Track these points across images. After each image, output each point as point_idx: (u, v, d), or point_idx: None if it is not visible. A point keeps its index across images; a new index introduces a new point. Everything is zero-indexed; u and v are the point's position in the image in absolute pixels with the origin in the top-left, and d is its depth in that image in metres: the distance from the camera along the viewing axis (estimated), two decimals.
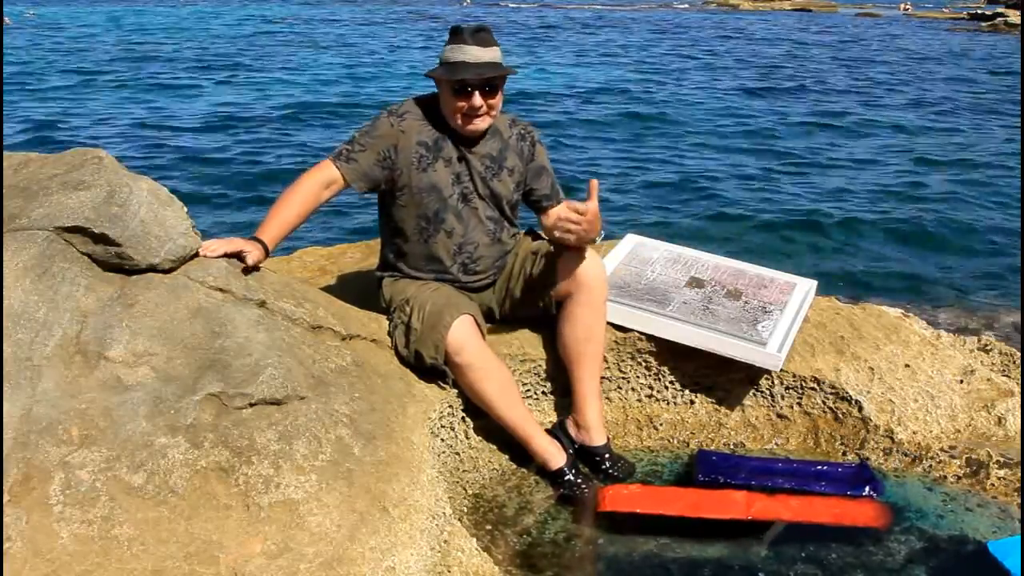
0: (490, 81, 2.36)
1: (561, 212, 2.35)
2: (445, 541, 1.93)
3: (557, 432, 2.54)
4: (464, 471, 2.44)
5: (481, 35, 2.37)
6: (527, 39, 26.00)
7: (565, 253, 2.49)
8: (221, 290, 2.09)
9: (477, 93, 2.35)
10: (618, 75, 17.79)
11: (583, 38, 26.99)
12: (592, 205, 2.31)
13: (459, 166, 2.48)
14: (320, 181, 2.40)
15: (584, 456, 2.52)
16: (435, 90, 2.49)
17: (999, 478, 2.45)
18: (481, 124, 2.42)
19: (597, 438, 2.51)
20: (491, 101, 2.39)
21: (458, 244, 2.51)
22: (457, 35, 2.39)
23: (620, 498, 2.31)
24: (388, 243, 2.60)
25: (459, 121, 2.40)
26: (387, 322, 2.47)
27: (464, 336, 2.31)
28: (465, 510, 2.31)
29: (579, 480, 2.41)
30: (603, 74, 17.92)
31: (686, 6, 46.46)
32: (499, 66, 2.38)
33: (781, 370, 2.62)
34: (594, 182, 2.35)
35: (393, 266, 2.59)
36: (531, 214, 2.73)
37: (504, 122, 2.57)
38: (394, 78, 16.90)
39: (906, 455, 2.57)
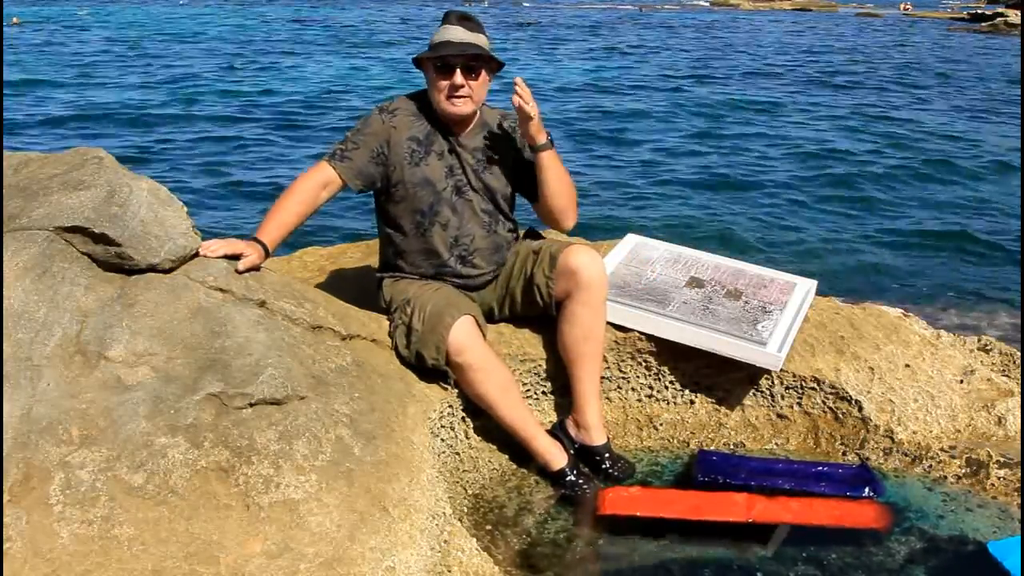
0: (471, 61, 2.40)
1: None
2: (445, 541, 1.93)
3: (557, 432, 2.54)
4: (464, 471, 2.44)
5: (468, 21, 2.44)
6: (544, 39, 26.04)
7: (565, 253, 2.50)
8: (221, 290, 2.09)
9: (459, 71, 2.39)
10: (614, 75, 17.79)
11: (583, 37, 26.99)
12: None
13: (451, 158, 2.50)
14: (317, 182, 2.42)
15: (584, 456, 2.52)
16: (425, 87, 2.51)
17: (999, 478, 2.45)
18: (463, 107, 2.45)
19: (597, 438, 2.51)
20: (473, 83, 2.43)
21: (454, 236, 2.52)
22: (444, 19, 2.46)
23: (620, 501, 2.31)
24: (386, 241, 2.61)
25: (443, 104, 2.43)
26: (387, 322, 2.47)
27: (465, 336, 2.31)
28: (465, 510, 2.31)
29: (580, 481, 2.41)
30: (589, 73, 17.91)
31: (677, 6, 46.29)
32: (482, 49, 2.41)
33: (781, 370, 2.62)
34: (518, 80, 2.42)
35: (393, 265, 2.59)
36: (532, 216, 2.73)
37: (494, 116, 2.60)
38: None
39: (906, 455, 2.57)
